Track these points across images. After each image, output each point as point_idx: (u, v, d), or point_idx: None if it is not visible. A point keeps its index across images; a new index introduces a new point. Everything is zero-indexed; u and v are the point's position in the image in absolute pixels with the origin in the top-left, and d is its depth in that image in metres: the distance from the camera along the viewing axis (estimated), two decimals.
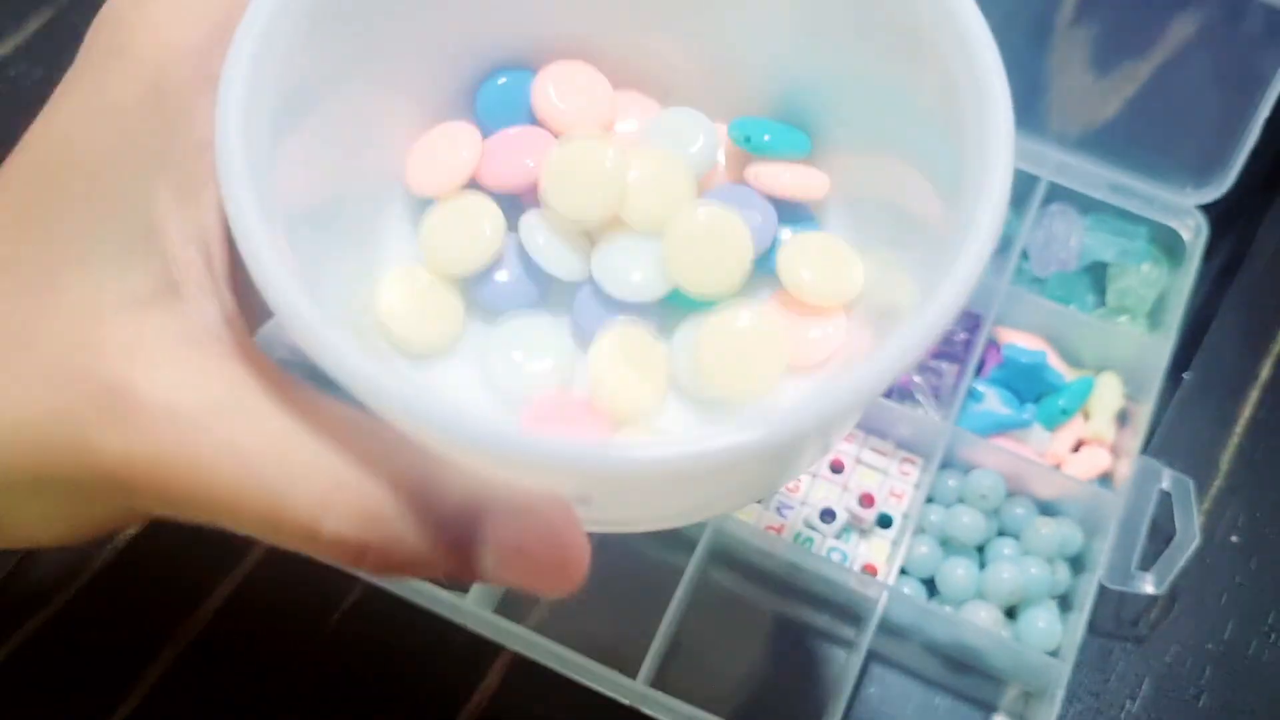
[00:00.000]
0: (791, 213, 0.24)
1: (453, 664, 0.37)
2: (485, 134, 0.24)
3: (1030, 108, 0.46)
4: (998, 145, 0.21)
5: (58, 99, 0.21)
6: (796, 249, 0.23)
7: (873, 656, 0.37)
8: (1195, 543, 0.37)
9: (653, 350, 0.23)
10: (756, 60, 0.25)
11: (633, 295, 0.23)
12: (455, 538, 0.19)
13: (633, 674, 0.34)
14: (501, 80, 0.25)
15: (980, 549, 0.38)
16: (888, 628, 0.37)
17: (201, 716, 0.36)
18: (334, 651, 0.37)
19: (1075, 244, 0.42)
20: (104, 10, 0.21)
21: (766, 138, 0.24)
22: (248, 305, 0.21)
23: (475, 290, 0.23)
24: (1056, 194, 0.43)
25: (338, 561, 0.20)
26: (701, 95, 0.25)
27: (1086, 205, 0.43)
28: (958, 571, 0.37)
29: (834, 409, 0.18)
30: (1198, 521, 0.38)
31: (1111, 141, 0.44)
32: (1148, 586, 0.36)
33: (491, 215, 0.23)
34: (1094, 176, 0.43)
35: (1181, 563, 0.37)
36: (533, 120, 0.25)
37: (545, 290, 0.23)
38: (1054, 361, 0.41)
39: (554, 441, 0.17)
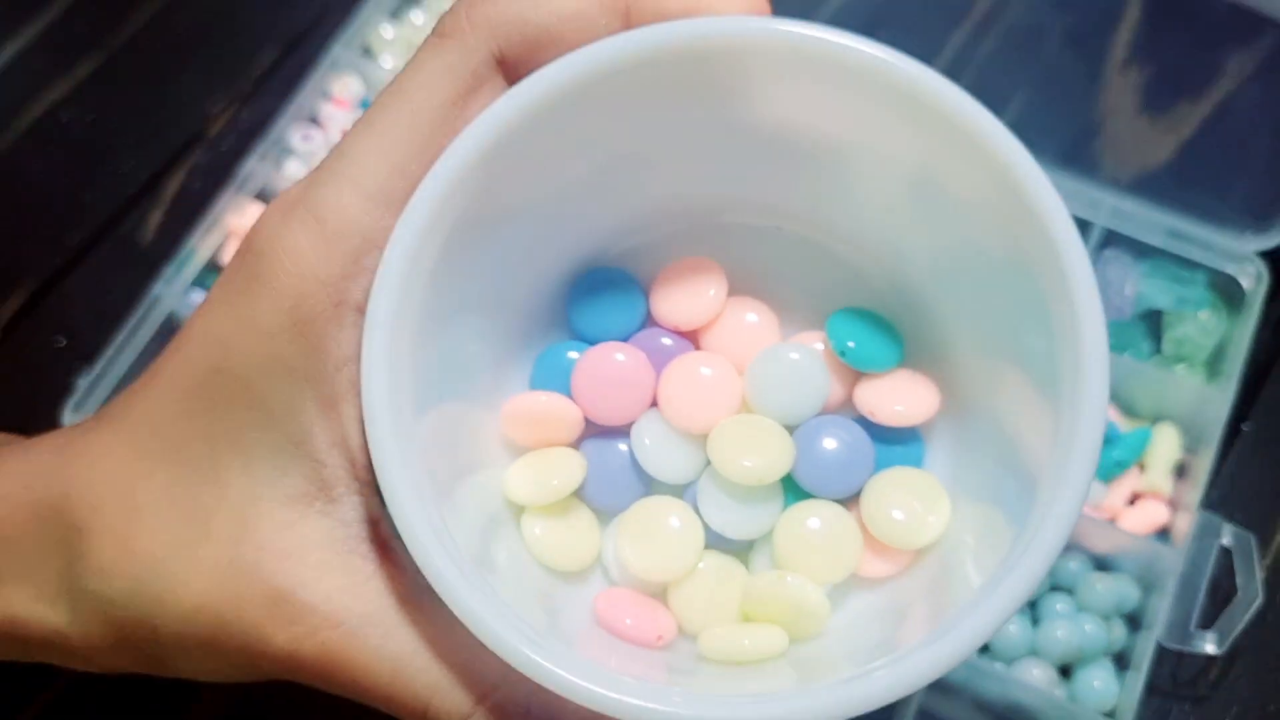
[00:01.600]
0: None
1: None
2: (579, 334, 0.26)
3: (1083, 151, 0.46)
4: (1092, 404, 0.22)
5: (210, 311, 0.24)
6: (885, 486, 0.24)
7: (923, 714, 0.37)
8: (1258, 601, 0.36)
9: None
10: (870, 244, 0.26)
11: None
12: None
13: None
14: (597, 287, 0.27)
15: (1033, 605, 0.37)
16: (938, 684, 0.36)
17: None
18: None
19: (1130, 291, 0.41)
20: (250, 236, 0.24)
21: (851, 344, 0.25)
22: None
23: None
24: (1111, 240, 0.42)
25: None
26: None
27: (1142, 251, 0.42)
28: (1010, 628, 0.36)
29: (881, 699, 0.20)
30: (1260, 578, 0.37)
31: (1167, 185, 0.43)
32: (1209, 646, 0.35)
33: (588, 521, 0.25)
34: (1150, 222, 0.42)
35: (1244, 622, 0.36)
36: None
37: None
38: (1109, 412, 0.40)
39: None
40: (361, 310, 0.23)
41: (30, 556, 0.25)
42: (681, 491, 0.25)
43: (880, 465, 0.24)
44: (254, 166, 0.43)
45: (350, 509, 0.24)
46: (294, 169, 0.44)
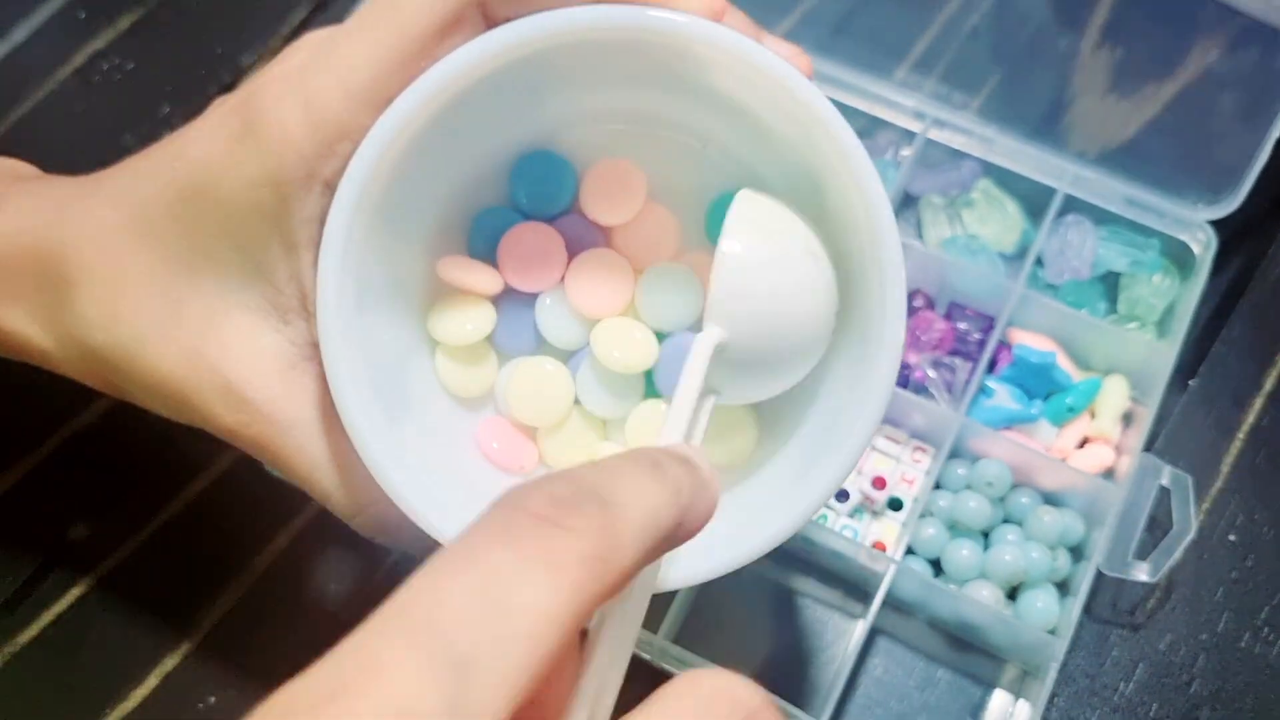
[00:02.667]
0: None
1: None
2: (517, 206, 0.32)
3: (1052, 123, 0.49)
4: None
5: (205, 143, 0.29)
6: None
7: (878, 631, 0.40)
8: (1191, 535, 0.39)
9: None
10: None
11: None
12: None
13: (654, 630, 0.37)
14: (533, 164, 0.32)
15: (985, 534, 0.41)
16: (893, 603, 0.40)
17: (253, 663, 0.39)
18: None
19: (1089, 253, 0.44)
20: (251, 98, 0.29)
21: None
22: None
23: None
24: (1073, 205, 0.45)
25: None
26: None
27: (1101, 217, 0.45)
28: (962, 552, 0.39)
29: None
30: (1195, 517, 0.40)
31: (1128, 157, 0.46)
32: (1142, 574, 0.38)
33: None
34: (1110, 190, 0.45)
35: (1177, 553, 0.39)
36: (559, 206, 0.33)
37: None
38: (1063, 362, 0.43)
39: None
40: (329, 185, 0.28)
41: (26, 286, 0.31)
42: (567, 358, 0.32)
43: None
44: None
45: (299, 333, 0.30)
46: None
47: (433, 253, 0.31)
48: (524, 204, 0.32)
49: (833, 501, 0.41)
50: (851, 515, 0.41)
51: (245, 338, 0.30)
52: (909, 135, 0.47)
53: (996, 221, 0.46)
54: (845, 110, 0.40)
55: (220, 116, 0.30)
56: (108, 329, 0.30)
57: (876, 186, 0.27)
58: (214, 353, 0.30)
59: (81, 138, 0.48)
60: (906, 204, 0.47)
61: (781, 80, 0.27)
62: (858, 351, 0.29)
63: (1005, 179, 0.46)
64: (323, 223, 0.28)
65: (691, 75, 0.29)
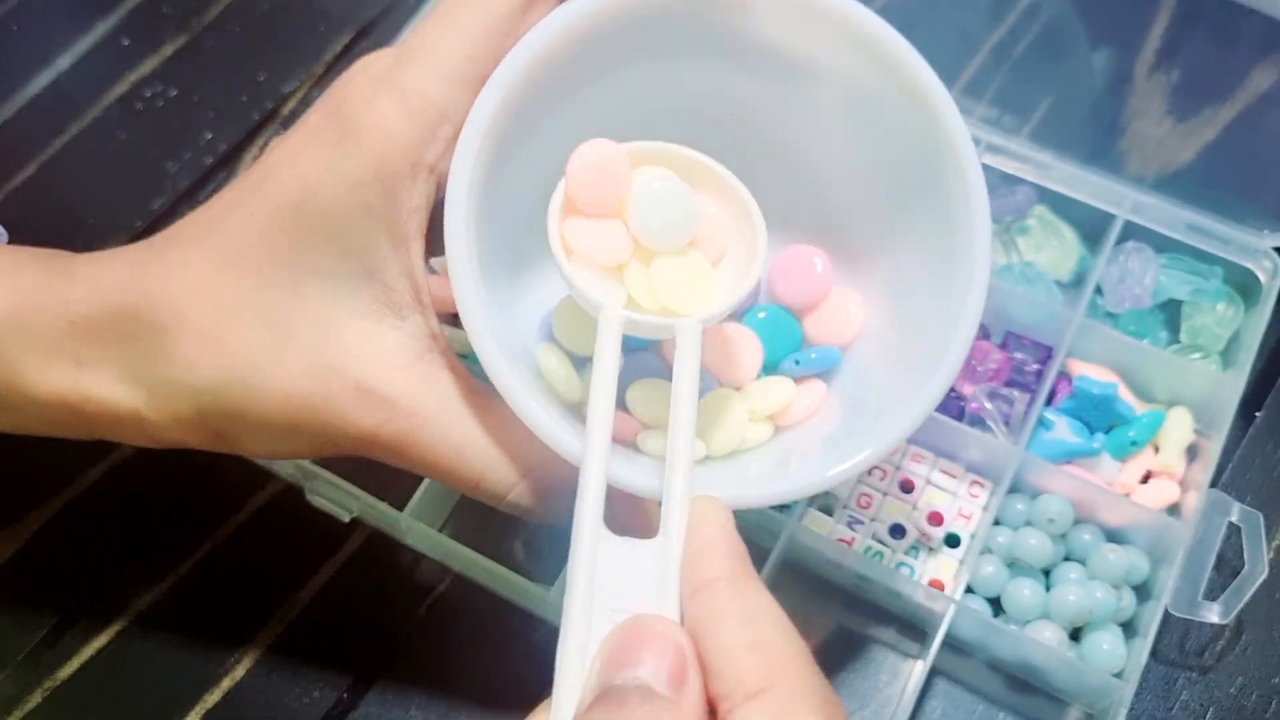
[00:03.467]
0: None
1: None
2: None
3: (1108, 148, 0.47)
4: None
5: (297, 159, 0.29)
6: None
7: (936, 672, 0.39)
8: (1264, 575, 0.37)
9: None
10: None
11: None
12: None
13: None
14: None
15: (1046, 572, 0.39)
16: (952, 643, 0.38)
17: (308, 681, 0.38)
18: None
19: (1150, 281, 0.43)
20: (340, 102, 0.29)
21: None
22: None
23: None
24: (1133, 232, 0.44)
25: (510, 511, 0.32)
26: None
27: (1162, 244, 0.44)
28: (1024, 591, 0.38)
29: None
30: (1267, 556, 0.38)
31: (1189, 183, 0.45)
32: (1213, 616, 0.37)
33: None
34: (1171, 216, 0.44)
35: (1249, 594, 0.37)
36: None
37: None
38: (1125, 394, 0.42)
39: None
40: (433, 170, 0.29)
41: (110, 348, 0.30)
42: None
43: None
44: None
45: (417, 326, 0.30)
46: None
47: (530, 224, 0.31)
48: None
49: (888, 538, 0.39)
50: (908, 552, 0.39)
51: (367, 339, 0.29)
52: None
53: (1053, 248, 0.45)
54: None
55: (308, 132, 0.29)
56: (213, 364, 0.29)
57: (956, 117, 0.31)
58: (338, 359, 0.29)
59: (125, 165, 0.48)
60: None
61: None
62: (943, 273, 0.32)
63: (1061, 205, 0.45)
64: (429, 210, 0.29)
65: (758, 35, 0.32)
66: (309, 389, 0.29)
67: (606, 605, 0.25)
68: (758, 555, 0.39)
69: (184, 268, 0.30)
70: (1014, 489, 0.40)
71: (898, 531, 0.39)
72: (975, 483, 0.41)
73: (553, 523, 0.31)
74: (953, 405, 0.42)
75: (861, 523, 0.40)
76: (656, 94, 0.33)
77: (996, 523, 0.40)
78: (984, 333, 0.43)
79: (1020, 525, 0.40)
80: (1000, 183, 0.46)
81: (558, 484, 0.30)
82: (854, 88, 0.32)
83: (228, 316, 0.29)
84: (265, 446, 0.31)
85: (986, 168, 0.45)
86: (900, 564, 0.39)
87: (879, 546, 0.39)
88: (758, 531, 0.39)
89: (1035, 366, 0.42)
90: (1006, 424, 0.41)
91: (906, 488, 0.41)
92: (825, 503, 0.40)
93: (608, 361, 0.28)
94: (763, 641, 0.24)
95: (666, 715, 0.22)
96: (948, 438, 0.41)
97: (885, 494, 0.41)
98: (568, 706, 0.23)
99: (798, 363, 0.35)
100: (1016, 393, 0.41)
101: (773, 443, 0.34)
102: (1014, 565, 0.39)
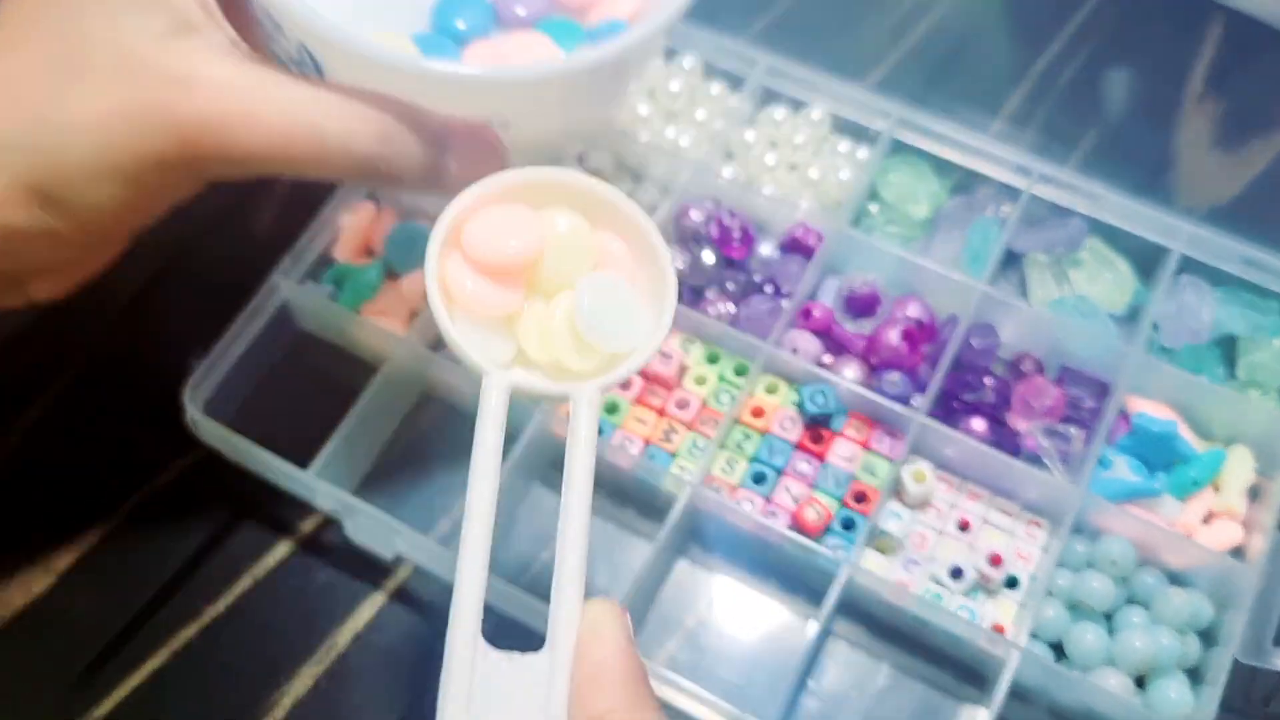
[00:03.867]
0: None
1: None
2: None
3: (1159, 180, 0.47)
4: None
5: None
6: None
7: None
8: None
9: None
10: None
11: None
12: (434, 149, 0.29)
13: (763, 717, 0.35)
14: None
15: (1109, 616, 0.38)
16: (1014, 689, 0.37)
17: None
18: None
19: (1208, 317, 0.42)
20: None
21: None
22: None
23: None
24: (1188, 266, 0.43)
25: (362, 179, 0.31)
26: None
27: (1218, 278, 0.43)
28: (1087, 636, 0.37)
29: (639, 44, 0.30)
30: None
31: (1244, 215, 0.44)
32: None
33: None
34: (1226, 249, 0.43)
35: None
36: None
37: None
38: (1184, 432, 0.41)
39: (474, 69, 0.29)
40: None
41: None
42: None
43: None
44: None
45: (214, 34, 0.29)
46: None
47: None
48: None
49: (947, 579, 0.38)
50: (968, 594, 0.38)
51: (168, 50, 0.28)
52: (1007, 190, 0.45)
53: (1107, 282, 0.44)
54: (941, 164, 0.46)
55: None
56: (9, 117, 0.28)
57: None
58: (142, 70, 0.27)
59: None
60: (1009, 262, 0.45)
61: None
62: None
63: (1114, 237, 0.44)
64: None
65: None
66: (122, 99, 0.27)
67: None
68: (814, 596, 0.38)
69: None
70: (1073, 529, 0.39)
71: (957, 573, 0.38)
72: (1032, 522, 0.40)
73: (406, 175, 0.29)
74: (1008, 441, 0.41)
75: (918, 563, 0.39)
76: None
77: (1059, 564, 0.39)
78: (1038, 367, 0.43)
79: (1081, 567, 0.39)
80: (1050, 214, 0.45)
81: (404, 119, 0.29)
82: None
83: (11, 61, 0.28)
84: (95, 193, 0.29)
85: (1036, 198, 0.45)
86: (961, 607, 0.38)
87: (938, 588, 0.38)
88: (814, 572, 0.38)
89: (1091, 403, 0.41)
90: (1064, 462, 0.40)
91: (963, 527, 0.40)
92: (882, 543, 0.39)
93: (490, 439, 0.25)
94: None
95: None
96: (1004, 475, 0.40)
97: (941, 533, 0.40)
98: None
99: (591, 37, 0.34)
100: (1074, 429, 0.41)
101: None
102: (1075, 608, 0.38)
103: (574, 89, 0.31)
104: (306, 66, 0.30)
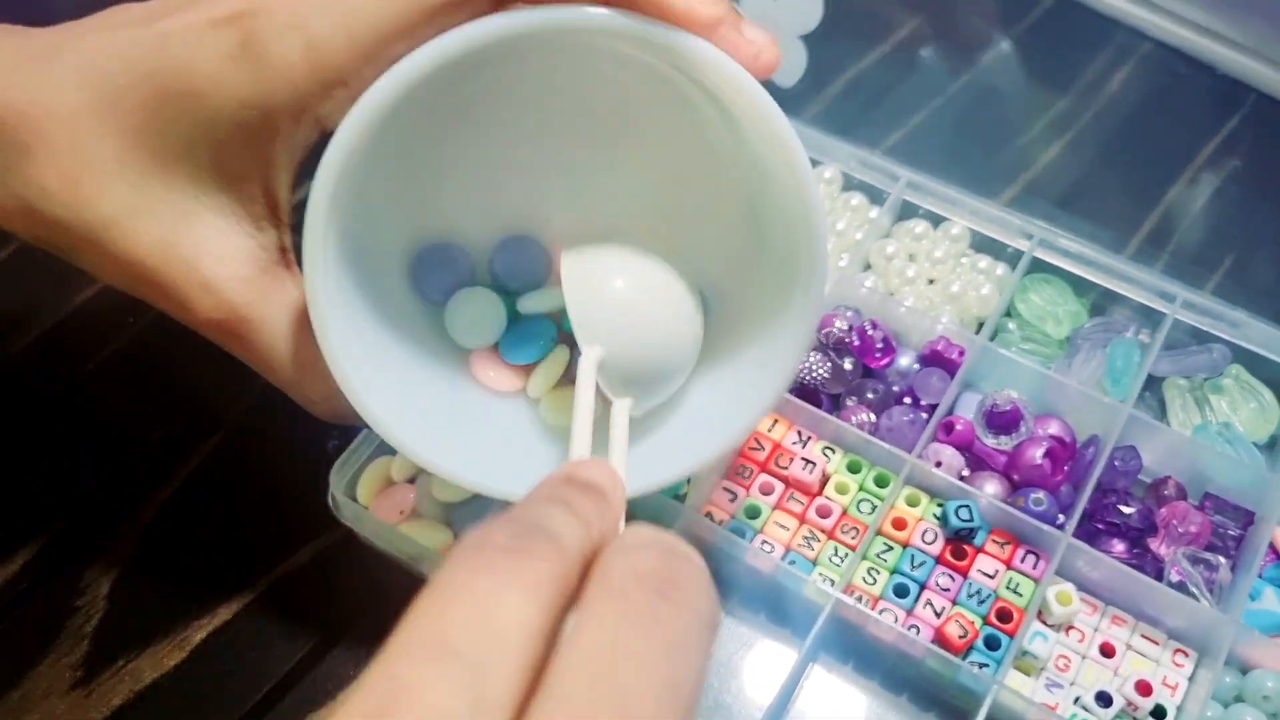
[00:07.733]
0: None
1: None
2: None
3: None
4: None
5: (185, 42, 0.30)
6: None
7: None
8: None
9: None
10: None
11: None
12: None
13: None
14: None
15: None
16: None
17: None
18: None
19: None
20: (255, 11, 0.29)
21: None
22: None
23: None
24: None
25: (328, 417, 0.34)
26: None
27: None
28: None
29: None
30: None
31: None
32: None
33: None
34: None
35: None
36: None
37: None
38: None
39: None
40: (319, 121, 0.30)
41: None
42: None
43: None
44: None
45: (270, 238, 0.31)
46: None
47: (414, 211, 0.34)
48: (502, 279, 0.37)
49: (1095, 707, 0.38)
50: None
51: (221, 236, 0.30)
52: (1145, 310, 0.46)
53: (1250, 410, 0.44)
54: (1080, 284, 0.47)
55: (214, 25, 0.29)
56: (70, 207, 0.30)
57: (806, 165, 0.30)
58: (189, 248, 0.30)
59: None
60: (1148, 385, 0.45)
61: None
62: (782, 294, 0.33)
63: (1255, 364, 0.44)
64: (305, 149, 0.30)
65: (665, 90, 0.32)
66: (156, 266, 0.30)
67: None
68: (949, 713, 0.38)
69: (61, 96, 0.29)
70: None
71: (1104, 700, 0.38)
72: (1179, 650, 0.39)
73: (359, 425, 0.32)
74: (1150, 566, 0.40)
75: (1060, 686, 0.38)
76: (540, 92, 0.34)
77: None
78: (1181, 493, 0.42)
79: (1230, 700, 0.38)
80: (1190, 339, 0.45)
81: (350, 414, 0.32)
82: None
83: (93, 165, 0.29)
84: (116, 284, 0.32)
85: (1178, 323, 0.45)
86: None
87: (1085, 714, 0.38)
88: (955, 689, 0.37)
89: (1235, 532, 0.41)
90: (1210, 590, 0.40)
91: (1106, 652, 0.39)
92: (1024, 663, 0.39)
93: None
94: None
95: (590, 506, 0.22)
96: (1148, 600, 0.39)
97: (1084, 657, 0.39)
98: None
99: None
100: (1222, 558, 0.40)
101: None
102: None
103: None
104: None
